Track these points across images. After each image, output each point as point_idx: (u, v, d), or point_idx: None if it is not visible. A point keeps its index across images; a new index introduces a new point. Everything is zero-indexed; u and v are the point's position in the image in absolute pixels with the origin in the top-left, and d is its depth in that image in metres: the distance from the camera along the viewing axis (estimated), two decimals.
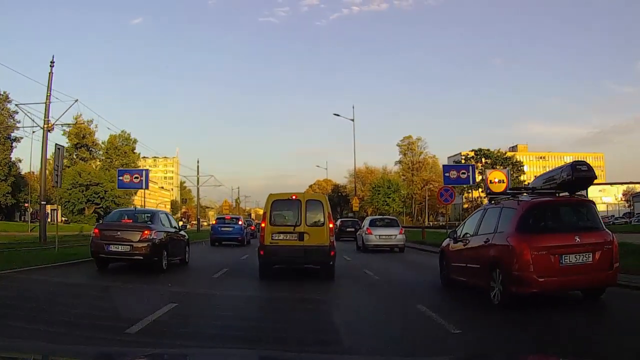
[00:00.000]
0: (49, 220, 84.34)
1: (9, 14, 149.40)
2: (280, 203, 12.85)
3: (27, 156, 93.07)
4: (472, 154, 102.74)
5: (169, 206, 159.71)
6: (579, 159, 11.41)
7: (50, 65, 28.00)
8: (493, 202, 10.53)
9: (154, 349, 4.86)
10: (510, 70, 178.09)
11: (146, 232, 13.72)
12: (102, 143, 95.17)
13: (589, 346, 6.29)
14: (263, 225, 12.70)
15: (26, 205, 66.24)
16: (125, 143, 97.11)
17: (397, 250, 24.47)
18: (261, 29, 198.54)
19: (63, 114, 34.31)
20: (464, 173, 26.70)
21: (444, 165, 26.13)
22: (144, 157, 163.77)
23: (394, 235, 24.59)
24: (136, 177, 25.09)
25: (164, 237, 14.60)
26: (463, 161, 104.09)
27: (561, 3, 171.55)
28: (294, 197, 12.76)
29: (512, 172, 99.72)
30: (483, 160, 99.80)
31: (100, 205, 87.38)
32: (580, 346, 6.26)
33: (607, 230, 8.96)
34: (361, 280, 13.49)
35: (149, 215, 15.79)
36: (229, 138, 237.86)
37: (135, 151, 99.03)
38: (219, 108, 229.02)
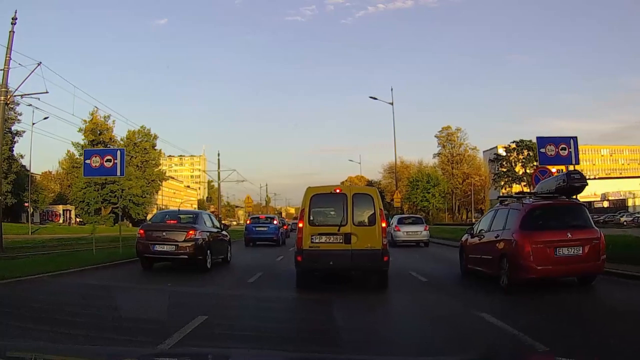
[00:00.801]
0: (60, 221, 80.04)
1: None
2: (321, 198, 11.27)
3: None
4: (514, 145, 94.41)
5: (195, 205, 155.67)
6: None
7: (12, 23, 22.10)
8: (503, 203, 12.33)
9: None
10: (527, 66, 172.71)
11: (191, 232, 14.22)
12: (121, 140, 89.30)
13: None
14: (300, 225, 11.02)
15: (25, 204, 59.80)
16: (145, 139, 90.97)
17: (422, 245, 27.39)
18: (288, 27, 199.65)
19: (24, 80, 27.27)
20: (563, 149, 19.24)
21: (538, 138, 19.66)
22: (170, 156, 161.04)
23: (419, 231, 27.60)
24: (108, 160, 18.08)
25: (208, 236, 14.97)
26: (504, 153, 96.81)
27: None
28: (337, 190, 11.22)
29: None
30: (525, 152, 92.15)
31: (117, 205, 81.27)
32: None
33: (595, 228, 10.78)
34: (407, 281, 13.06)
35: (193, 215, 16.72)
36: (254, 137, 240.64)
37: (155, 148, 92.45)
38: (246, 107, 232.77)
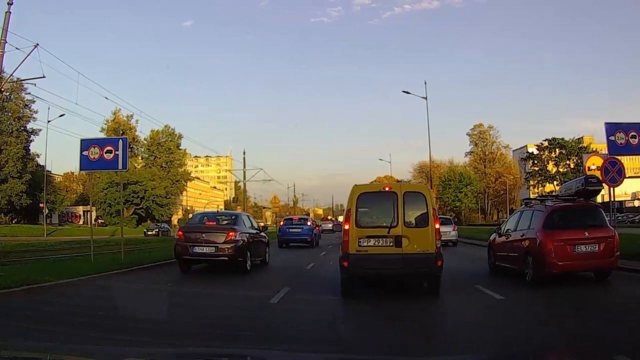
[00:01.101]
0: (81, 222, 78.45)
1: None
2: (369, 197, 10.41)
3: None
4: (546, 144, 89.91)
5: (222, 206, 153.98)
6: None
7: (9, 3, 19.47)
8: (528, 205, 13.55)
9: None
10: (550, 66, 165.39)
11: (231, 233, 14.07)
12: (144, 139, 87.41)
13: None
14: (347, 227, 10.14)
15: (40, 205, 57.92)
16: (169, 139, 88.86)
17: (450, 245, 27.53)
18: (313, 29, 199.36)
19: (20, 63, 23.69)
20: (634, 136, 16.39)
21: (606, 124, 17.54)
22: (196, 157, 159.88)
23: (448, 231, 27.01)
24: (108, 152, 15.38)
25: (247, 238, 14.77)
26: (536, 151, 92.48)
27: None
28: (387, 188, 10.39)
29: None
30: (557, 150, 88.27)
31: (141, 206, 79.46)
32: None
33: (610, 227, 11.87)
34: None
35: (232, 217, 16.44)
36: (282, 138, 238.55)
37: (180, 148, 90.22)
38: (273, 108, 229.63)
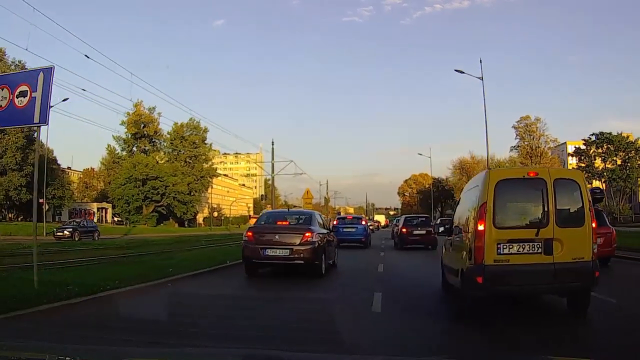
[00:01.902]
0: (95, 220, 73.01)
1: None
2: (510, 186, 7.87)
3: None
4: (593, 138, 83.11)
5: (251, 204, 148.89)
6: None
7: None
8: None
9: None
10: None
11: (307, 234, 13.20)
12: (168, 134, 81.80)
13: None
14: (481, 227, 7.53)
15: (41, 201, 52.07)
16: (194, 132, 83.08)
17: None
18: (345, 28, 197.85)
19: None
20: None
21: None
22: (225, 154, 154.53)
23: None
24: (21, 95, 8.72)
25: (322, 239, 13.94)
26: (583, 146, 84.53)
27: None
28: (533, 174, 7.97)
29: (637, 159, 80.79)
30: (605, 146, 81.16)
31: (161, 203, 73.66)
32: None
33: (609, 225, 16.61)
34: None
35: (305, 216, 15.35)
36: (315, 137, 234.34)
37: (206, 142, 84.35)
38: (306, 107, 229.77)
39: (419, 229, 24.67)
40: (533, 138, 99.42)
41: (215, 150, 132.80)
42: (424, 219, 27.50)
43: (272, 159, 48.41)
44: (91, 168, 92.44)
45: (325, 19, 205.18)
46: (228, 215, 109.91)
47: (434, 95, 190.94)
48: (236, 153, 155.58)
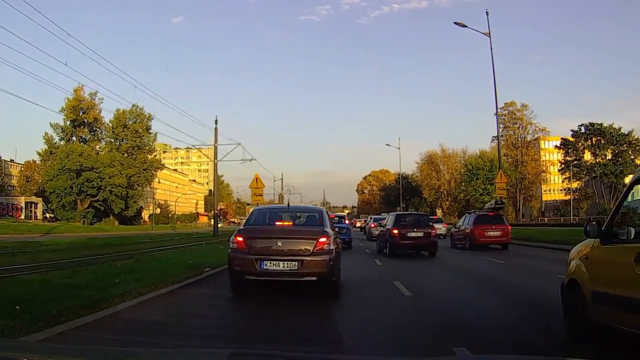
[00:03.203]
0: (22, 216, 65.41)
1: None
2: None
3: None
4: (582, 129, 77.53)
5: (202, 201, 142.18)
6: None
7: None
8: (469, 213, 27.54)
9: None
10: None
11: (323, 239, 9.43)
12: (110, 121, 74.49)
13: None
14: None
15: None
16: (137, 120, 75.84)
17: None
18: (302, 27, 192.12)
19: None
20: None
21: None
22: (176, 148, 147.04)
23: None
24: None
25: (338, 246, 10.17)
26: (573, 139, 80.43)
27: None
28: None
29: (630, 153, 74.49)
30: (594, 139, 76.37)
31: (97, 198, 66.39)
32: None
33: (506, 223, 24.75)
34: None
35: (315, 214, 11.38)
36: (272, 132, 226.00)
37: (150, 131, 77.13)
38: (268, 103, 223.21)
39: (415, 230, 19.18)
40: (519, 127, 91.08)
41: (167, 145, 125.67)
42: (421, 217, 22.39)
43: (215, 141, 42.14)
44: (33, 160, 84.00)
45: (283, 17, 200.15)
46: (174, 213, 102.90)
47: (398, 92, 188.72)
48: (187, 148, 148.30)
